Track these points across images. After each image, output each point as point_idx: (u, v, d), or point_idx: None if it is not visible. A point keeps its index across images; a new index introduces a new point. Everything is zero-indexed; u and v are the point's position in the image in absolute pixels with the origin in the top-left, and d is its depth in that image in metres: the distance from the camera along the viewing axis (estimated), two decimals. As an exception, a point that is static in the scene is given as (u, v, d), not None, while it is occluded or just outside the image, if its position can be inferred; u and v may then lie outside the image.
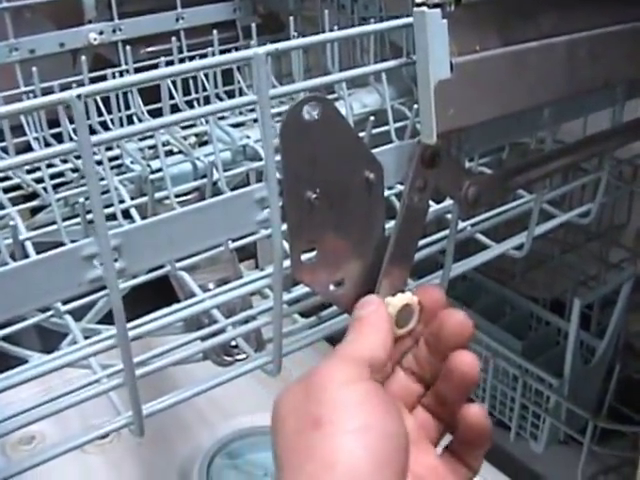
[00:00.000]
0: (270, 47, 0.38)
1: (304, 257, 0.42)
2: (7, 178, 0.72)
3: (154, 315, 0.48)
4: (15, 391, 0.43)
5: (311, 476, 0.34)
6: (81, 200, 0.47)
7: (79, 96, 0.31)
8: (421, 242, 0.57)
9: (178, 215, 0.38)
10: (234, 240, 0.60)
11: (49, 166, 0.72)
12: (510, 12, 0.44)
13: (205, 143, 0.79)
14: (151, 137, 0.78)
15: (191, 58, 0.96)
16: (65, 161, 0.73)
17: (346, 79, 0.52)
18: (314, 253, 0.42)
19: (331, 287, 0.43)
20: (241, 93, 0.92)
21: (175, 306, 0.51)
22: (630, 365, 1.03)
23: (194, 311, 0.48)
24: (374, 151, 0.43)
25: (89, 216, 0.48)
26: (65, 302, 0.54)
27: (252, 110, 0.85)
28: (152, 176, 0.66)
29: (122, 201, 0.62)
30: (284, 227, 0.40)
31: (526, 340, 1.01)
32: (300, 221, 0.40)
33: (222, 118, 0.83)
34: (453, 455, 0.43)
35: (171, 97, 0.85)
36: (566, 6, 0.47)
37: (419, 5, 0.39)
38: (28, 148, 0.82)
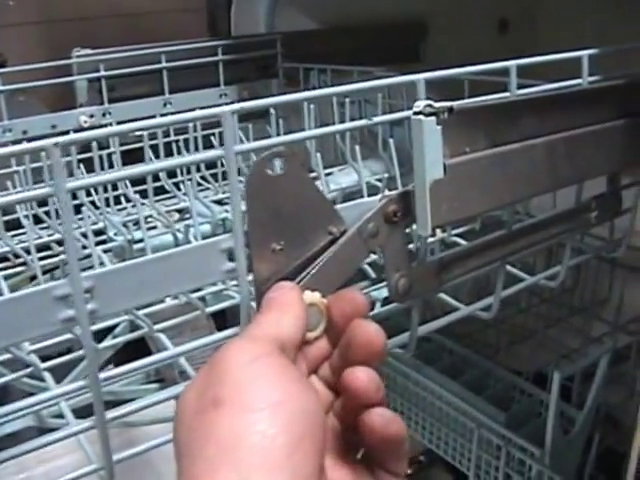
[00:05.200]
0: (236, 106, 0.41)
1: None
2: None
3: (126, 367, 0.49)
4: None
5: (211, 462, 0.30)
6: (63, 256, 0.49)
7: (56, 144, 0.34)
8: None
9: (148, 261, 0.40)
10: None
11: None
12: (496, 117, 0.48)
13: (187, 219, 0.82)
14: (134, 212, 0.81)
15: (176, 141, 0.99)
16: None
17: (309, 138, 0.55)
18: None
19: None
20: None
21: (147, 358, 0.51)
22: (610, 435, 1.04)
23: (163, 358, 0.48)
24: (338, 206, 0.45)
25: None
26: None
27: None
28: (134, 246, 0.69)
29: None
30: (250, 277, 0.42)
31: (509, 412, 1.02)
32: (265, 271, 0.42)
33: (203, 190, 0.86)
34: (371, 464, 0.39)
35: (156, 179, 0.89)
36: (546, 110, 0.51)
37: (416, 113, 0.42)
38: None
